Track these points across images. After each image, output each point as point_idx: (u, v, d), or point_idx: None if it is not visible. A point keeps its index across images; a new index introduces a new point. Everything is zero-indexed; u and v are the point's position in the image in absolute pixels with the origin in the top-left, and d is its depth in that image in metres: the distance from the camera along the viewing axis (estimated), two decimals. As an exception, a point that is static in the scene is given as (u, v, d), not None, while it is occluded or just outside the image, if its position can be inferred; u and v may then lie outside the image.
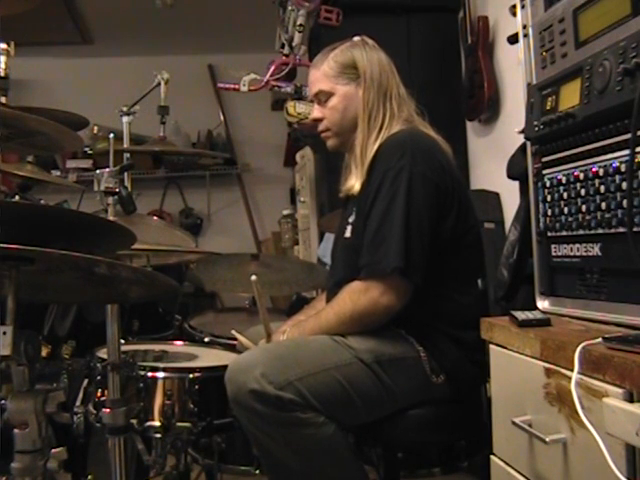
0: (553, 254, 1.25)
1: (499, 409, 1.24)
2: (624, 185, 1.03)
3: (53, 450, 1.19)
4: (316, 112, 1.68)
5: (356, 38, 1.68)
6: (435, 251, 1.48)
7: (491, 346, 1.25)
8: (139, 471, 1.76)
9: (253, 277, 1.66)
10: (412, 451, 1.68)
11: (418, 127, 1.61)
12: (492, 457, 1.24)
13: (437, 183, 1.49)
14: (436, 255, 1.48)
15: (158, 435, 1.62)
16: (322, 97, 1.66)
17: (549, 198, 1.24)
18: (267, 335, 1.63)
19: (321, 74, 1.65)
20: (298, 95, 2.63)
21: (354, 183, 1.59)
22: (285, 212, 4.09)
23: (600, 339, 0.95)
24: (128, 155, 2.33)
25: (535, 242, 1.31)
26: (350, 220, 1.61)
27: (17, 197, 2.17)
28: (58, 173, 4.27)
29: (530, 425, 1.08)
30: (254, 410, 1.35)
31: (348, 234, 1.60)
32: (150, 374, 1.64)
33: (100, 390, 1.66)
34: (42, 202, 2.33)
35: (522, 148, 1.46)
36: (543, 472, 1.07)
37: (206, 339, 2.06)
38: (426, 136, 1.59)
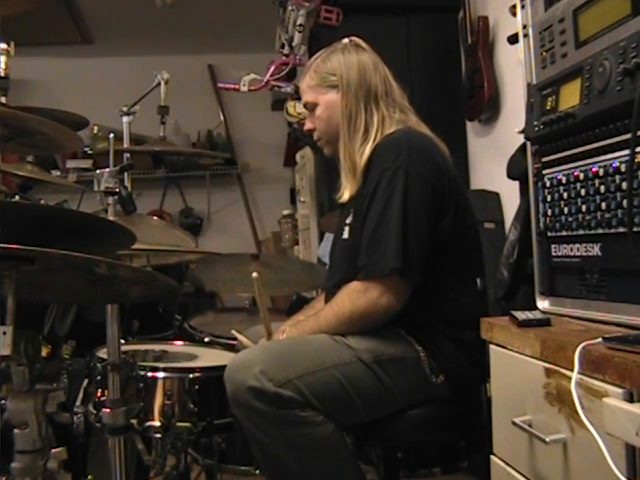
0: (553, 254, 1.25)
1: (499, 409, 1.24)
2: (624, 185, 1.03)
3: (53, 450, 1.19)
4: (308, 123, 1.72)
5: (345, 40, 1.69)
6: (433, 251, 1.48)
7: (491, 346, 1.25)
8: (139, 471, 1.76)
9: (254, 274, 1.65)
10: (412, 451, 1.68)
11: (414, 127, 1.61)
12: (492, 457, 1.24)
13: (434, 183, 1.49)
14: (434, 255, 1.48)
15: (158, 435, 1.62)
16: (310, 108, 1.69)
17: (549, 198, 1.24)
18: (267, 333, 1.63)
19: (305, 86, 1.69)
20: (298, 95, 2.63)
21: (343, 192, 1.60)
22: (285, 212, 4.09)
23: (600, 339, 0.95)
24: (128, 155, 2.34)
25: (535, 242, 1.31)
26: (347, 221, 1.61)
27: (17, 197, 2.17)
28: (58, 173, 4.25)
29: (530, 425, 1.08)
30: (253, 407, 1.35)
31: (346, 235, 1.60)
32: (150, 374, 1.64)
33: (100, 390, 1.66)
34: (42, 202, 2.32)
35: (522, 148, 1.46)
36: (543, 472, 1.07)
37: (206, 339, 2.06)
38: (422, 136, 1.59)
